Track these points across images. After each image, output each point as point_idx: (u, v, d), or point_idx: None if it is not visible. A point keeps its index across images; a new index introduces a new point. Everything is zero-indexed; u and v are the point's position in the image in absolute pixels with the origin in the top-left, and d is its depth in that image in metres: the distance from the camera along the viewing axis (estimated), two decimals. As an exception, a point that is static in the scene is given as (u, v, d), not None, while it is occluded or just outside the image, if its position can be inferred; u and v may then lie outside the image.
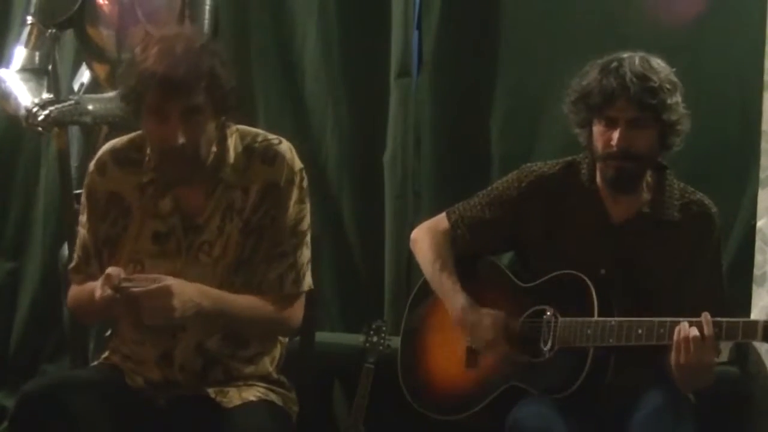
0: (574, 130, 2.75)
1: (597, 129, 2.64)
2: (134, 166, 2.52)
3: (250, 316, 2.45)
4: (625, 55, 2.64)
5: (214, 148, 2.46)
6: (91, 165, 2.58)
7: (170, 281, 2.29)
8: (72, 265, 2.61)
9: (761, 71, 3.35)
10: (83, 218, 2.57)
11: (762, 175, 3.35)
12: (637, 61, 2.61)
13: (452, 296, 2.78)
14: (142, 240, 2.45)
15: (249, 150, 2.51)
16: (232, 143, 2.50)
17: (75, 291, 2.58)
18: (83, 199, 2.58)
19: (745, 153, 3.56)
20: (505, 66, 3.93)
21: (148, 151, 2.50)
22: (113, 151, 2.56)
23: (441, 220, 2.90)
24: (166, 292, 2.28)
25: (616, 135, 2.59)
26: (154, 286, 2.27)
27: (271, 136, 2.55)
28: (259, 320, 2.47)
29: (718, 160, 3.63)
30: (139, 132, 2.54)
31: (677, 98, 2.63)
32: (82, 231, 2.57)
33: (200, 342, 2.49)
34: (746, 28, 3.56)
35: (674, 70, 2.66)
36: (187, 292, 2.33)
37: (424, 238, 2.89)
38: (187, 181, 2.45)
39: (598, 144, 2.64)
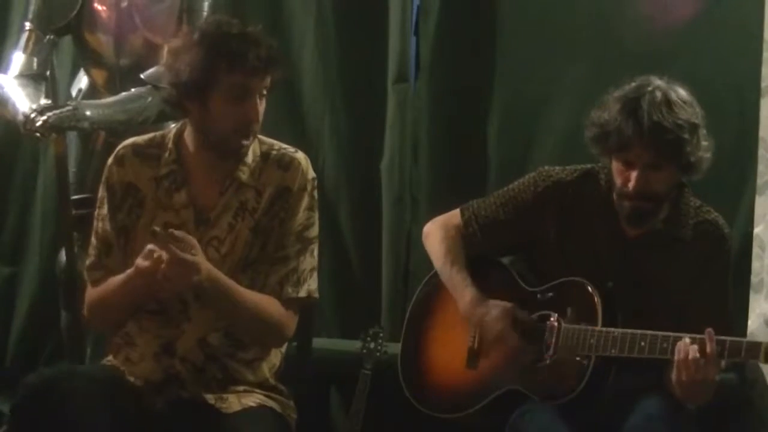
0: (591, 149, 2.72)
1: (615, 165, 2.62)
2: (152, 160, 2.58)
3: (250, 310, 2.47)
4: (648, 87, 2.57)
5: None
6: (110, 159, 2.62)
7: (199, 257, 2.38)
8: (90, 261, 2.61)
9: (759, 78, 3.36)
10: (102, 211, 2.60)
11: (759, 181, 3.35)
12: (658, 98, 2.54)
13: (462, 290, 2.77)
14: None
15: (266, 155, 2.58)
16: (252, 146, 2.57)
17: (95, 291, 2.58)
18: (102, 192, 2.61)
19: (743, 160, 3.56)
20: (502, 72, 3.94)
21: (170, 145, 2.56)
22: (134, 145, 2.62)
23: (454, 216, 2.89)
24: (197, 267, 2.35)
25: (632, 176, 2.56)
26: (189, 257, 2.35)
27: (288, 146, 2.63)
28: (257, 317, 2.49)
29: (716, 167, 3.60)
30: (158, 132, 2.63)
31: (697, 137, 2.57)
32: (100, 224, 2.60)
33: (203, 336, 2.50)
34: (744, 35, 3.57)
35: (702, 114, 2.61)
36: (204, 267, 2.40)
37: (437, 233, 2.88)
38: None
39: (617, 180, 2.61)
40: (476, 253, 2.85)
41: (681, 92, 2.59)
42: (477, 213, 2.85)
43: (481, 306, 2.73)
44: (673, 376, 2.44)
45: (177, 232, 2.37)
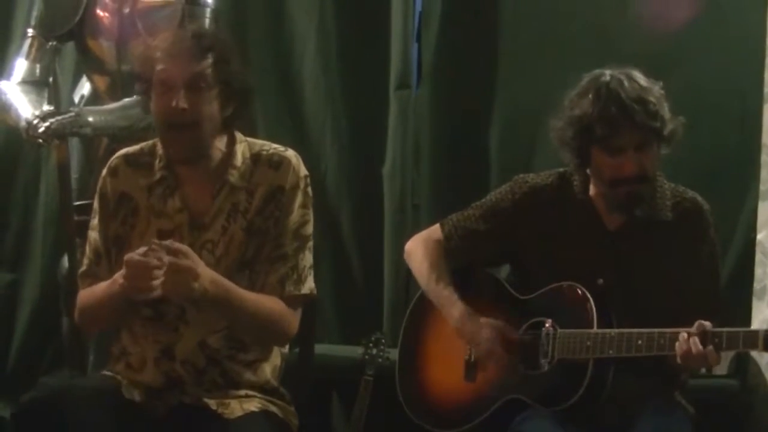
0: (562, 154, 2.70)
1: (600, 157, 2.60)
2: (145, 168, 2.60)
3: (252, 312, 2.47)
4: (607, 77, 2.58)
5: (222, 150, 2.55)
6: (104, 170, 2.64)
7: (197, 260, 2.39)
8: (82, 269, 2.65)
9: (761, 84, 3.36)
10: (94, 221, 2.62)
11: (762, 188, 3.35)
12: (626, 83, 2.56)
13: (450, 307, 2.77)
14: (147, 238, 2.49)
15: (256, 156, 2.59)
16: (240, 149, 2.58)
17: (84, 293, 2.61)
18: (95, 203, 2.63)
19: (745, 166, 3.57)
20: (504, 78, 3.95)
21: (160, 152, 2.58)
22: (126, 155, 2.64)
23: (434, 231, 2.88)
24: (194, 272, 2.36)
25: (626, 162, 2.56)
26: (188, 262, 2.36)
27: (277, 145, 2.63)
28: (259, 317, 2.49)
29: (718, 173, 3.63)
30: (149, 141, 2.64)
31: (666, 107, 2.60)
32: (92, 234, 2.62)
33: (202, 339, 2.51)
34: (746, 41, 3.57)
35: (661, 84, 2.62)
36: (205, 273, 2.40)
37: (418, 250, 2.88)
38: (191, 159, 2.52)
39: (605, 171, 2.61)
40: (460, 265, 2.84)
41: (635, 72, 2.61)
42: (457, 225, 2.84)
43: (471, 323, 2.72)
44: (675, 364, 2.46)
45: (170, 243, 2.38)
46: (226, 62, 2.50)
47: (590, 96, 2.58)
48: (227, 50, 2.52)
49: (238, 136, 2.60)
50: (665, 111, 2.58)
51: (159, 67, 2.46)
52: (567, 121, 2.63)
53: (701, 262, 2.67)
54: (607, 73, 2.60)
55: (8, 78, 3.69)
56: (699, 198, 2.72)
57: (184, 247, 2.39)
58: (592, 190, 2.70)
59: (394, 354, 3.19)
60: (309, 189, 2.58)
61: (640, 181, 2.59)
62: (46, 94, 3.59)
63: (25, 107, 3.50)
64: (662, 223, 2.66)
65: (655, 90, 2.59)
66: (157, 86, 2.48)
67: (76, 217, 3.42)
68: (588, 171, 2.67)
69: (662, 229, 2.66)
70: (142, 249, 2.37)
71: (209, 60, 2.47)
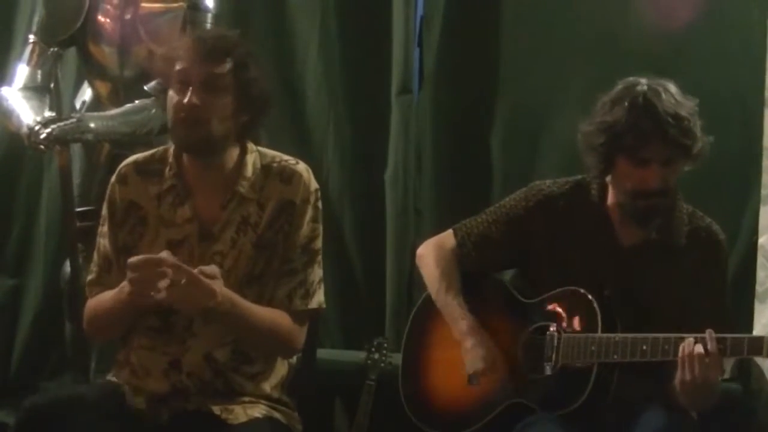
0: (585, 159, 2.66)
1: (625, 167, 2.58)
2: (155, 176, 2.58)
3: (259, 326, 2.47)
4: (640, 86, 2.56)
5: (234, 160, 2.54)
6: (113, 178, 2.63)
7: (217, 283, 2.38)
8: (90, 277, 2.63)
9: (762, 88, 3.36)
10: (104, 229, 2.61)
11: (764, 191, 3.35)
12: (663, 96, 2.53)
13: (457, 319, 2.76)
14: (156, 248, 2.47)
15: (267, 168, 2.57)
16: (251, 160, 2.57)
17: (92, 302, 2.59)
18: (104, 210, 2.62)
19: (747, 169, 3.57)
20: (506, 83, 3.95)
21: (171, 160, 2.57)
22: (135, 163, 2.62)
23: (448, 237, 2.88)
24: (213, 293, 2.35)
25: (650, 174, 2.54)
26: (210, 284, 2.35)
27: (289, 157, 2.62)
28: (265, 332, 2.48)
29: (720, 177, 3.63)
30: (160, 147, 2.64)
31: (699, 125, 2.58)
32: (102, 241, 2.61)
33: (208, 352, 2.50)
34: (748, 45, 3.58)
35: (697, 101, 2.60)
36: (222, 293, 2.39)
37: (431, 255, 2.87)
38: (199, 151, 2.51)
39: (627, 182, 2.59)
40: (473, 271, 2.84)
41: (671, 84, 2.59)
42: (470, 232, 2.84)
43: (471, 338, 2.72)
44: (677, 377, 2.44)
45: (205, 268, 2.37)
46: (245, 68, 2.49)
47: (625, 104, 2.55)
48: (247, 56, 2.51)
49: (250, 146, 2.59)
50: (698, 128, 2.56)
51: (178, 66, 2.47)
52: (597, 126, 2.60)
53: (711, 289, 2.65)
54: (643, 82, 2.57)
55: (10, 84, 3.70)
56: (715, 226, 2.69)
57: (216, 271, 2.38)
58: (609, 200, 2.68)
59: (396, 358, 3.19)
60: (319, 203, 2.58)
61: (660, 195, 2.57)
62: (47, 100, 3.60)
63: (27, 113, 3.51)
64: (675, 248, 2.65)
65: (689, 106, 2.56)
66: (174, 85, 2.48)
67: (78, 223, 3.44)
68: (608, 179, 2.66)
69: (674, 254, 2.64)
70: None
71: (228, 64, 2.46)
